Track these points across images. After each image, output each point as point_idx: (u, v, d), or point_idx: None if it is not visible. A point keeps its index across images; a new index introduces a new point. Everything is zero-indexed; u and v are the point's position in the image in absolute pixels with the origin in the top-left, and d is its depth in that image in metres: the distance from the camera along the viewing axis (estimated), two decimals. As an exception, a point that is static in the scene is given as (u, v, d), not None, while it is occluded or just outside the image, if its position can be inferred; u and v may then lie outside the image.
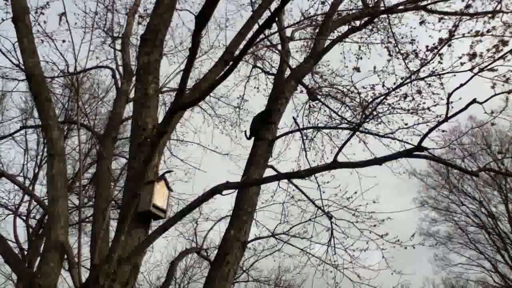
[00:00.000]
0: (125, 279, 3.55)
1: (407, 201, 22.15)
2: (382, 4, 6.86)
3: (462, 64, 3.69)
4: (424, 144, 3.47)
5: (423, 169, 21.25)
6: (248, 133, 6.03)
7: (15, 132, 7.61)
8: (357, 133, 5.77)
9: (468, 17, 5.66)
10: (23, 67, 4.40)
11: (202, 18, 2.65)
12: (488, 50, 3.78)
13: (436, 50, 3.97)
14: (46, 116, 4.10)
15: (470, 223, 21.52)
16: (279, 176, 4.06)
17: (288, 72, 6.87)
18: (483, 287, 21.66)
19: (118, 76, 8.55)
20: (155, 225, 4.35)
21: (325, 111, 7.77)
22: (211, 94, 9.75)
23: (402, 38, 7.21)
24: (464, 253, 21.65)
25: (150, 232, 3.98)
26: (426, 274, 25.24)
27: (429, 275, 24.71)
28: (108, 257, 3.44)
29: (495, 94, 3.36)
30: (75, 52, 3.83)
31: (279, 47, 7.39)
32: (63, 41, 5.67)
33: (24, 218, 12.71)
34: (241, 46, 5.28)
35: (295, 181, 6.11)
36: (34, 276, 3.41)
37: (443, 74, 3.84)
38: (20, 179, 12.54)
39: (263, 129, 5.79)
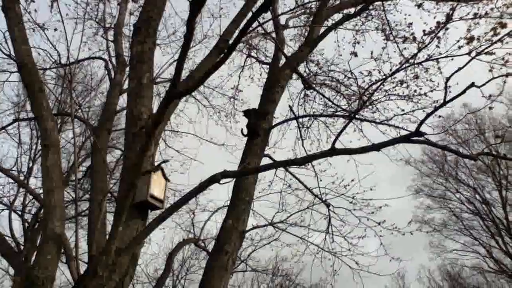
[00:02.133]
0: (124, 270, 3.51)
1: (403, 191, 22.28)
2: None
3: (459, 47, 3.67)
4: (421, 130, 3.46)
5: (417, 157, 21.34)
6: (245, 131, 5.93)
7: (8, 125, 7.51)
8: (354, 120, 5.75)
9: (464, 3, 5.62)
10: (14, 57, 4.31)
11: (197, 3, 2.60)
12: (486, 33, 3.76)
13: (433, 34, 3.93)
14: (39, 107, 4.03)
15: (464, 210, 21.74)
16: (276, 164, 4.03)
17: (283, 60, 6.81)
18: (478, 272, 21.91)
19: (111, 67, 8.47)
20: (152, 217, 4.32)
21: (321, 99, 7.74)
22: (206, 84, 9.70)
23: (397, 25, 7.17)
24: (459, 240, 21.90)
25: (148, 222, 3.95)
26: (421, 261, 25.49)
27: (425, 262, 24.94)
28: (106, 248, 3.40)
29: (493, 78, 3.33)
30: (68, 43, 3.77)
31: (274, 35, 7.32)
32: (55, 29, 5.57)
33: (20, 212, 12.63)
34: (235, 35, 5.23)
35: (292, 170, 6.11)
36: (32, 269, 3.37)
37: (440, 58, 3.82)
38: (15, 173, 12.42)
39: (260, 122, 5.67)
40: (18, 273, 3.62)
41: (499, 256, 20.63)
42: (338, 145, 3.52)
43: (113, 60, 8.34)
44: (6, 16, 4.33)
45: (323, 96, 7.28)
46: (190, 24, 2.89)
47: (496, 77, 3.33)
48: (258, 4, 5.76)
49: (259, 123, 5.60)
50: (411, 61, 4.23)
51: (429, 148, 21.72)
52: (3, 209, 12.26)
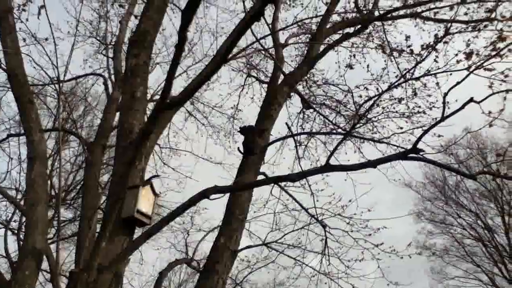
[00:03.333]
0: (106, 288, 3.35)
1: (403, 215, 21.94)
2: (376, 12, 6.80)
3: (458, 62, 3.58)
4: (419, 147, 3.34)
5: (418, 180, 21.11)
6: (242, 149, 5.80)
7: (2, 140, 7.42)
8: (352, 139, 5.64)
9: (464, 25, 5.59)
10: (4, 67, 4.25)
11: (189, 12, 2.54)
12: (485, 47, 3.68)
13: (431, 48, 3.86)
14: (28, 118, 3.94)
15: (466, 235, 21.35)
16: (269, 180, 3.90)
17: (282, 78, 6.76)
18: (480, 300, 21.40)
19: (110, 84, 8.47)
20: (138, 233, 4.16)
21: (320, 119, 7.67)
22: (205, 103, 9.67)
23: (398, 47, 7.14)
24: (461, 266, 21.43)
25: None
26: (422, 287, 24.92)
27: (426, 288, 24.37)
28: (87, 264, 3.25)
29: (493, 93, 3.23)
30: (58, 59, 3.69)
31: (274, 54, 7.29)
32: (46, 39, 5.52)
33: (16, 231, 12.40)
34: (234, 50, 5.17)
35: (288, 189, 5.95)
36: (9, 285, 3.21)
37: (438, 73, 3.73)
38: (13, 191, 12.24)
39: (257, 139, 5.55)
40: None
41: (502, 284, 20.16)
42: (336, 163, 3.40)
43: (113, 77, 8.35)
44: (-1, 27, 4.29)
45: (322, 115, 7.19)
46: (182, 33, 2.83)
47: (496, 93, 3.23)
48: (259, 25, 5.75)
49: (256, 140, 5.49)
50: (408, 75, 4.15)
51: (430, 172, 21.60)
52: (-1, 228, 12.06)
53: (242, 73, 9.02)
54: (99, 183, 6.69)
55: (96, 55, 9.53)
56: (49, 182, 10.34)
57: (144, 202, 3.84)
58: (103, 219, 3.77)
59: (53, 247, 5.72)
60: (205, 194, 3.53)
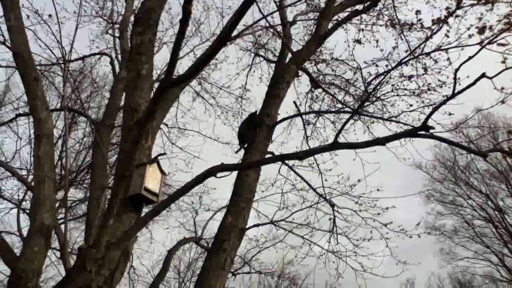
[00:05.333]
0: (114, 265, 3.37)
1: (413, 198, 21.94)
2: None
3: (470, 36, 3.47)
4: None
5: (428, 162, 20.96)
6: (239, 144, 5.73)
7: (11, 120, 7.45)
8: (361, 117, 5.55)
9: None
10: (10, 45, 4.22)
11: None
12: (498, 21, 3.55)
13: (442, 22, 3.73)
14: (34, 96, 3.92)
15: (476, 216, 21.26)
16: (275, 158, 3.86)
17: (289, 57, 6.66)
18: (490, 281, 21.42)
19: (116, 63, 8.43)
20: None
21: (329, 98, 7.56)
22: (213, 83, 9.60)
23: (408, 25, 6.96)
24: (470, 247, 21.42)
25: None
26: (431, 268, 25.01)
27: (435, 269, 24.45)
28: (96, 241, 3.27)
29: (506, 68, 3.13)
30: (63, 38, 3.65)
31: (280, 32, 7.17)
32: (49, 15, 5.47)
33: (28, 211, 12.58)
34: (239, 27, 5.08)
35: (296, 168, 5.93)
36: (17, 260, 3.24)
37: (450, 48, 3.62)
38: (24, 172, 12.38)
39: (254, 129, 5.49)
40: (9, 266, 3.49)
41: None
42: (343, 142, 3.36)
43: (120, 57, 8.31)
44: (3, 5, 4.24)
45: (330, 94, 7.09)
46: (186, 8, 2.76)
47: (509, 68, 3.13)
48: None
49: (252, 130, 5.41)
50: (419, 51, 4.04)
51: (441, 153, 21.42)
52: (12, 208, 12.24)
53: (250, 53, 8.92)
54: (107, 163, 6.71)
55: (103, 35, 9.49)
56: (59, 163, 10.44)
57: (151, 180, 3.84)
58: (111, 197, 3.78)
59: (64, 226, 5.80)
60: (211, 172, 3.51)
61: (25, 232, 11.08)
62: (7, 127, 8.22)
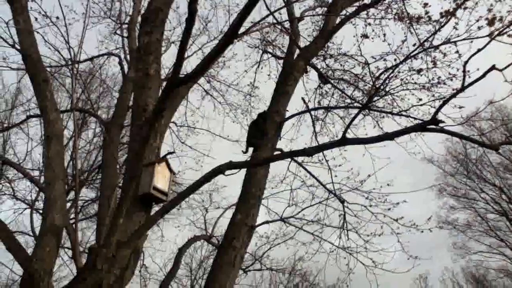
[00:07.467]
0: (125, 264, 3.40)
1: (424, 193, 21.74)
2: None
3: (479, 28, 3.42)
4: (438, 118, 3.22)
5: (440, 154, 20.72)
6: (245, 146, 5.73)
7: (22, 121, 7.53)
8: (370, 112, 5.51)
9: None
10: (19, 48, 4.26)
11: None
12: (509, 11, 3.48)
13: (450, 14, 3.68)
14: (43, 97, 3.96)
15: (490, 210, 21.02)
16: (284, 155, 3.84)
17: (297, 53, 6.63)
18: (504, 275, 21.19)
19: (125, 63, 8.48)
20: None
21: (338, 94, 7.52)
22: (221, 81, 9.59)
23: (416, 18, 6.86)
24: (484, 241, 21.19)
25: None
26: (445, 263, 24.82)
27: (448, 264, 24.26)
28: (106, 240, 3.30)
29: (517, 60, 3.07)
30: (72, 40, 3.67)
31: (288, 29, 7.12)
32: (57, 17, 5.51)
33: (41, 211, 12.71)
34: (246, 24, 5.07)
35: (305, 164, 5.91)
36: (30, 260, 3.28)
37: (459, 41, 3.56)
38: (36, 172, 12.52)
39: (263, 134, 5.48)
40: (21, 266, 3.53)
41: (526, 258, 19.91)
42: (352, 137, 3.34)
43: (128, 57, 8.36)
44: (11, 7, 4.28)
45: (339, 89, 7.04)
46: (192, 6, 2.77)
47: (520, 60, 3.06)
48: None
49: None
50: (427, 45, 3.98)
51: (453, 147, 21.18)
52: (25, 208, 12.40)
53: (258, 50, 8.88)
54: (117, 162, 6.76)
55: (111, 36, 9.54)
56: (71, 163, 10.54)
57: (160, 179, 3.86)
58: (120, 197, 3.81)
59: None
60: (220, 169, 3.51)
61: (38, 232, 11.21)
62: (19, 128, 8.31)
